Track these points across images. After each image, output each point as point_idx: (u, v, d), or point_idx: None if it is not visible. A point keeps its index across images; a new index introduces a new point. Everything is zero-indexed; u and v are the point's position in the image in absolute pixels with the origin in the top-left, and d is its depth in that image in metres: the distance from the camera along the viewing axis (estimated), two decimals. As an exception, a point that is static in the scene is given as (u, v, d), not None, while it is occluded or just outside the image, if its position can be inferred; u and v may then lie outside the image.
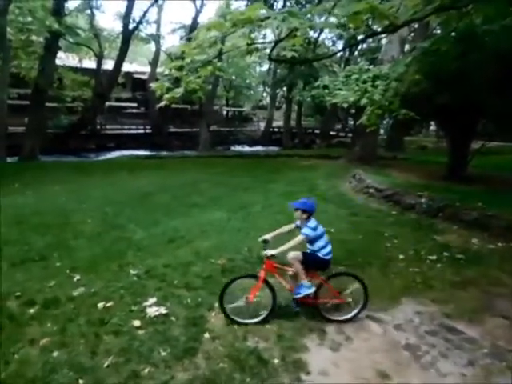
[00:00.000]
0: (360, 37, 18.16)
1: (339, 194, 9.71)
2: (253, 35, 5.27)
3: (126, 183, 11.15)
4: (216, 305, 3.92)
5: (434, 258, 5.41)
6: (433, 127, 33.36)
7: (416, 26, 17.93)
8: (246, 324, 3.62)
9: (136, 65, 36.91)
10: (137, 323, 3.58)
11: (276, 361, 3.13)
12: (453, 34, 8.75)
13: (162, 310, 3.80)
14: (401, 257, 5.44)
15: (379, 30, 8.13)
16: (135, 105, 33.80)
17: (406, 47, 16.47)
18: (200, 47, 4.96)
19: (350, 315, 3.81)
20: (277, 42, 5.29)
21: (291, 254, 3.66)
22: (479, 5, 7.17)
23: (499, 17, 7.55)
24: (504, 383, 3.01)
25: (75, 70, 25.49)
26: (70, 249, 5.56)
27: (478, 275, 4.88)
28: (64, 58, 24.64)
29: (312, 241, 3.74)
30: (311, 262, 3.75)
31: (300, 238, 3.67)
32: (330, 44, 32.73)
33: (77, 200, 8.62)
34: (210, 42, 4.96)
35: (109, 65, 25.31)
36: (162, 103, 5.78)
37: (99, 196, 9.14)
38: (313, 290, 3.69)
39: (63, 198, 8.91)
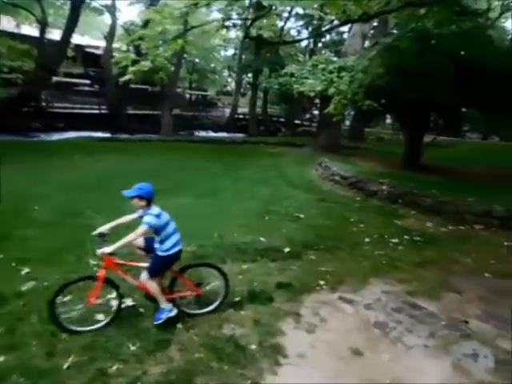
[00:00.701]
0: (335, 23, 18.33)
1: (307, 181, 9.93)
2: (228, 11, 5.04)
3: (83, 166, 10.47)
4: None
5: (397, 240, 5.76)
6: (389, 120, 34.94)
7: (375, 24, 18.51)
8: (81, 332, 3.18)
9: (89, 38, 34.28)
10: (101, 317, 3.32)
11: (254, 347, 3.11)
12: (410, 34, 9.16)
13: (129, 302, 3.57)
14: (367, 240, 5.72)
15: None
16: (88, 82, 31.33)
17: (366, 43, 16.95)
18: (171, 17, 4.63)
19: (210, 308, 3.57)
20: (255, 19, 5.15)
21: (143, 276, 3.31)
22: (435, 8, 7.61)
23: (447, 23, 8.10)
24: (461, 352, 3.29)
25: (12, 36, 21.97)
26: (19, 239, 5.05)
27: (435, 255, 5.29)
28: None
29: (157, 230, 3.32)
30: (160, 268, 3.38)
31: (142, 228, 3.21)
32: (295, 34, 32.80)
33: (29, 184, 7.94)
34: (182, 12, 4.66)
35: (55, 34, 22.77)
36: (127, 77, 5.33)
37: (54, 180, 8.48)
38: (174, 312, 3.34)
39: (12, 180, 8.02)
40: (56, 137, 20.32)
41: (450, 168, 11.50)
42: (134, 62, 5.06)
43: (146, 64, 5.00)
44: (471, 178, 9.63)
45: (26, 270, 4.18)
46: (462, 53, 7.89)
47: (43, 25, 21.86)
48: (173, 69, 26.73)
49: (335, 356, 3.14)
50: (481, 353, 3.24)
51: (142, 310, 3.54)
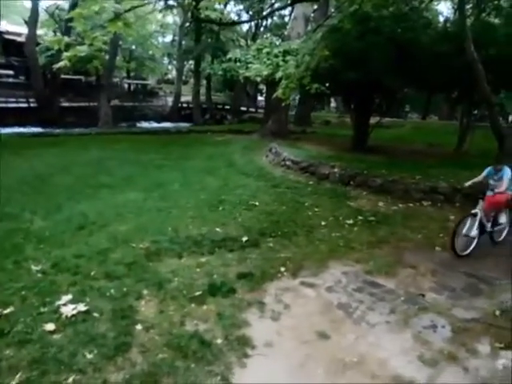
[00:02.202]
0: (277, 5, 18.12)
1: (258, 168, 9.83)
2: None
3: (13, 165, 9.43)
4: (145, 292, 3.60)
5: (351, 222, 5.88)
6: (333, 104, 36.09)
7: (316, 7, 18.73)
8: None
9: (8, 24, 30.72)
10: (50, 327, 3.04)
11: (219, 341, 3.00)
12: (352, 16, 9.32)
13: (81, 307, 3.31)
14: (323, 223, 5.77)
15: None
16: (11, 73, 28.26)
17: (309, 27, 17.13)
18: None
19: None
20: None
21: None
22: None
23: (384, 6, 8.36)
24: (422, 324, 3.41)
25: None
26: None
27: (388, 234, 5.47)
28: None
29: None
30: None
31: None
32: (236, 17, 32.26)
33: None
34: None
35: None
36: (61, 63, 4.71)
37: None
38: None
39: None
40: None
41: (395, 148, 12.09)
42: (68, 47, 4.45)
43: (82, 49, 4.44)
44: (414, 157, 10.19)
45: None
46: (400, 32, 8.12)
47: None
48: (107, 57, 24.98)
49: (302, 341, 3.11)
50: (439, 323, 3.38)
51: (96, 314, 3.23)
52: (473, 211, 4.83)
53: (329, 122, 24.43)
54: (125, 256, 4.36)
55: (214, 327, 3.18)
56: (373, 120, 12.24)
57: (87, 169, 9.07)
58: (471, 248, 4.82)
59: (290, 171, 9.22)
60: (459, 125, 11.65)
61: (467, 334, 3.23)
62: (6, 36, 28.05)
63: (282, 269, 4.25)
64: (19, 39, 27.18)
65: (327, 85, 9.88)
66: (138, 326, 3.13)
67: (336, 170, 8.17)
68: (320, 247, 4.90)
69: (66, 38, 4.55)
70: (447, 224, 5.77)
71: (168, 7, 4.84)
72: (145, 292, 3.61)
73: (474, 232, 4.78)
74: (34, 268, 4.02)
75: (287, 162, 9.51)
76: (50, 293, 3.52)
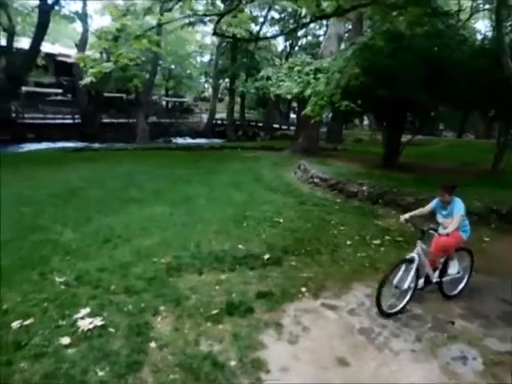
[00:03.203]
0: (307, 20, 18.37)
1: (285, 184, 9.79)
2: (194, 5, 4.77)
3: (49, 178, 9.92)
4: (162, 308, 3.60)
5: (378, 241, 5.66)
6: (366, 122, 35.57)
7: (350, 27, 18.79)
8: None
9: (60, 47, 33.45)
10: (65, 341, 3.04)
11: (233, 363, 2.91)
12: (384, 34, 9.24)
13: (98, 322, 3.32)
14: (348, 242, 5.60)
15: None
16: (60, 91, 30.58)
17: (342, 46, 17.17)
18: (132, 14, 4.36)
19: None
20: (223, 14, 4.91)
21: None
22: (407, 9, 7.68)
23: (419, 24, 8.21)
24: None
25: None
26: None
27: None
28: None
29: None
30: None
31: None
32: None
33: None
34: (145, 9, 4.40)
35: (24, 43, 22.14)
36: (88, 79, 4.98)
37: (14, 193, 7.91)
38: None
39: None
40: (26, 148, 19.52)
41: (427, 165, 11.64)
42: (96, 64, 4.71)
43: (107, 65, 4.67)
44: (446, 175, 9.73)
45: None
46: (434, 50, 7.93)
47: (10, 33, 21.20)
48: (147, 76, 26.37)
49: (320, 367, 2.97)
50: (469, 355, 3.13)
51: (111, 329, 3.25)
52: (408, 256, 3.76)
53: (360, 139, 24.04)
54: (146, 271, 4.39)
55: (229, 348, 3.10)
56: (405, 138, 11.91)
57: (119, 182, 9.40)
58: (402, 305, 3.72)
59: (318, 188, 9.09)
60: (496, 143, 11.03)
61: (501, 368, 2.98)
62: (58, 58, 30.53)
63: (303, 289, 4.14)
64: (69, 60, 29.51)
65: (358, 102, 9.76)
66: (152, 344, 3.10)
67: (364, 187, 7.97)
68: (344, 267, 4.75)
69: (91, 56, 4.81)
70: (481, 246, 5.41)
71: (190, 24, 4.99)
72: (162, 308, 3.60)
73: (408, 283, 3.65)
74: (57, 280, 4.08)
75: (315, 179, 9.40)
76: (70, 305, 3.57)
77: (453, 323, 3.59)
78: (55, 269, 4.36)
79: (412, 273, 3.69)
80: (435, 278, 3.96)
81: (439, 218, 4.04)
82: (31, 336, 3.11)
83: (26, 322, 3.27)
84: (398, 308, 3.72)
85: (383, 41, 8.67)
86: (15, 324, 3.24)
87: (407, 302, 3.77)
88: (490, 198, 6.68)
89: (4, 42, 21.90)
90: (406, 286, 3.66)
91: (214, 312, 3.57)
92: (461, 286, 4.15)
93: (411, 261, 3.72)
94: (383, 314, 3.65)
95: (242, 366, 2.90)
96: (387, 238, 5.82)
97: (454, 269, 4.02)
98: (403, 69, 8.19)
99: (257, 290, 4.04)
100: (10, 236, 5.39)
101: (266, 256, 4.90)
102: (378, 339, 3.35)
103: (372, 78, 8.75)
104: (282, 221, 6.52)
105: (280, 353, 3.10)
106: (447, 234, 3.65)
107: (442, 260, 4.01)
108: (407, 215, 4.05)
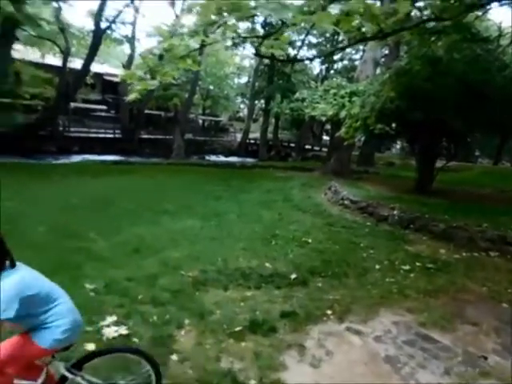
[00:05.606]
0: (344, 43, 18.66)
1: (315, 205, 9.76)
2: (238, 28, 5.00)
3: (87, 188, 10.39)
4: (186, 321, 3.62)
5: (407, 267, 5.49)
6: (398, 145, 34.82)
7: (386, 52, 18.82)
8: None
9: (107, 66, 35.88)
10: (90, 347, 3.02)
11: (253, 382, 2.87)
12: (421, 58, 9.20)
13: (123, 330, 3.33)
14: (376, 267, 5.47)
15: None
16: (105, 108, 32.64)
17: (378, 70, 17.21)
18: (176, 35, 4.66)
19: None
20: (266, 36, 5.10)
21: None
22: (445, 34, 7.67)
23: (458, 48, 8.13)
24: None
25: (36, 65, 23.37)
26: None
27: (448, 283, 5.00)
28: (23, 52, 22.50)
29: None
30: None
31: None
32: (308, 62, 33.69)
33: (26, 203, 7.80)
34: (191, 31, 4.69)
35: (77, 64, 24.09)
36: (132, 95, 5.28)
37: (54, 201, 8.34)
38: None
39: (11, 201, 7.66)
40: (68, 160, 20.60)
41: (461, 192, 11.23)
42: (141, 80, 5.02)
43: (152, 82, 4.97)
44: (482, 201, 9.33)
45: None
46: (472, 74, 7.79)
47: (66, 54, 23.09)
48: (187, 95, 27.59)
49: (342, 394, 2.91)
50: (502, 394, 2.96)
51: (135, 339, 3.31)
52: None
53: (393, 163, 23.53)
54: (173, 283, 4.41)
55: (250, 367, 3.06)
56: (439, 163, 11.58)
57: (152, 195, 9.72)
58: None
59: (348, 210, 8.99)
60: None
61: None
62: (105, 77, 32.78)
63: (329, 311, 4.07)
64: (115, 79, 31.54)
65: (392, 126, 9.69)
66: (174, 357, 3.09)
67: (395, 211, 7.80)
68: (371, 292, 4.64)
69: (139, 72, 5.10)
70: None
71: (234, 45, 5.22)
72: (186, 321, 3.60)
73: None
74: (88, 286, 4.16)
75: (345, 201, 9.32)
76: (97, 312, 3.59)
77: (485, 358, 3.41)
78: (86, 275, 4.46)
79: None
80: None
81: None
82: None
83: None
84: None
85: (420, 65, 8.64)
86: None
87: None
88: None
89: (59, 62, 23.93)
90: None
91: (237, 329, 3.56)
92: None
93: None
94: None
95: (262, 386, 2.87)
96: (417, 264, 5.63)
97: None
98: (440, 93, 8.08)
99: (281, 309, 4.02)
100: (50, 238, 5.70)
101: (293, 276, 4.89)
102: (404, 369, 3.23)
103: (407, 102, 8.69)
104: (310, 241, 6.50)
105: (301, 376, 3.04)
106: None
107: None
108: None
